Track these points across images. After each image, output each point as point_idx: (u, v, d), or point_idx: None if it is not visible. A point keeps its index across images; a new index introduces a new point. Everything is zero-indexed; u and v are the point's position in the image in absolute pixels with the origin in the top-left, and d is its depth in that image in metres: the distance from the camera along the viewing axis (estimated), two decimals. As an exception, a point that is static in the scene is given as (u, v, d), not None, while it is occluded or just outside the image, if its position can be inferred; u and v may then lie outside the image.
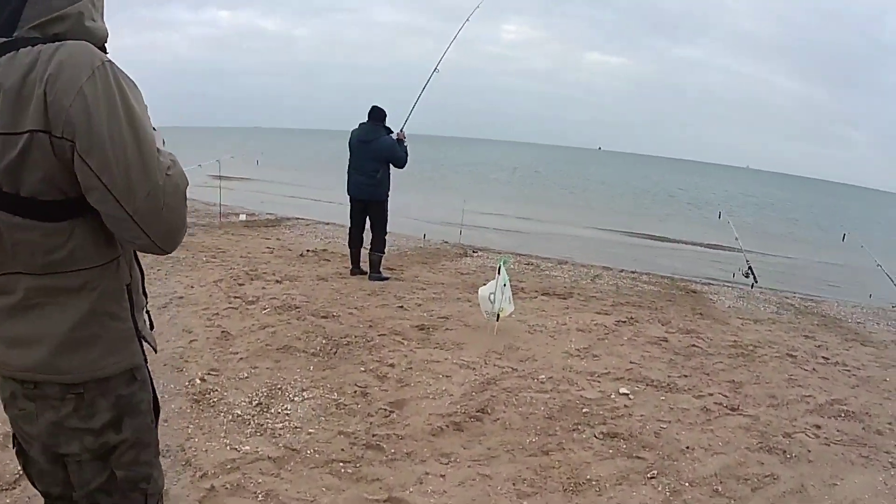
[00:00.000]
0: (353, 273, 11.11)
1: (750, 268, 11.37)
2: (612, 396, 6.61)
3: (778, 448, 5.79)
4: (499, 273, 7.98)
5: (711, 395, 6.92)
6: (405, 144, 10.66)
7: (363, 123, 10.60)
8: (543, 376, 7.00)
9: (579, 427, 5.87)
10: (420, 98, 11.17)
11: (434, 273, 12.27)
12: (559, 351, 7.89)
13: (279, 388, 6.22)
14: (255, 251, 12.88)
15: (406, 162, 10.64)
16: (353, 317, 8.58)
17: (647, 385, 7.03)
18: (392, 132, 10.60)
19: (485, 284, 8.41)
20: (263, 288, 9.78)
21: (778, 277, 13.82)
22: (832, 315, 12.29)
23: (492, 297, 8.06)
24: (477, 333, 8.27)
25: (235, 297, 9.10)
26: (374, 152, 10.40)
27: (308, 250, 13.21)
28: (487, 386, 6.62)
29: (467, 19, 11.30)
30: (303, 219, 19.17)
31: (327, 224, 17.88)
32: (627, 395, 6.68)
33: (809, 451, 5.79)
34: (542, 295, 11.02)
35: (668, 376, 7.33)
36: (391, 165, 10.56)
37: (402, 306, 9.27)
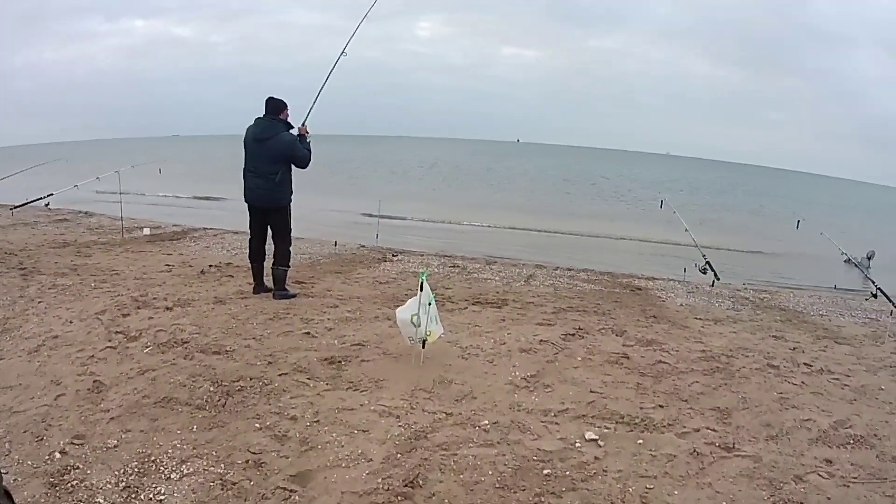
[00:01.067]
0: (255, 291, 9.39)
1: (708, 262, 9.97)
2: (578, 445, 5.01)
3: (793, 500, 4.41)
4: (421, 289, 6.30)
5: (698, 430, 5.40)
6: (308, 141, 9.07)
7: (259, 119, 8.88)
8: (487, 421, 5.36)
9: (543, 499, 4.29)
10: (326, 85, 9.49)
11: (349, 284, 10.64)
12: (502, 381, 6.27)
13: (153, 461, 4.59)
14: (152, 270, 11.14)
15: (309, 161, 8.98)
16: (251, 350, 6.86)
17: (618, 423, 5.46)
18: (293, 128, 9.02)
19: (404, 304, 6.62)
20: (150, 318, 8.01)
21: (720, 268, 12.55)
22: (792, 308, 11.13)
23: (415, 319, 6.37)
24: (399, 364, 6.60)
25: (117, 333, 7.34)
26: (272, 151, 8.76)
27: (210, 266, 11.51)
28: (416, 442, 4.96)
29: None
30: (211, 229, 17.38)
31: (236, 233, 16.06)
32: (596, 440, 5.08)
33: (829, 499, 4.47)
34: (473, 304, 9.51)
35: (641, 408, 5.78)
36: (292, 166, 8.95)
37: (309, 332, 7.55)
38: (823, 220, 29.02)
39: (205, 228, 17.57)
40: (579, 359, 7.04)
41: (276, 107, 8.86)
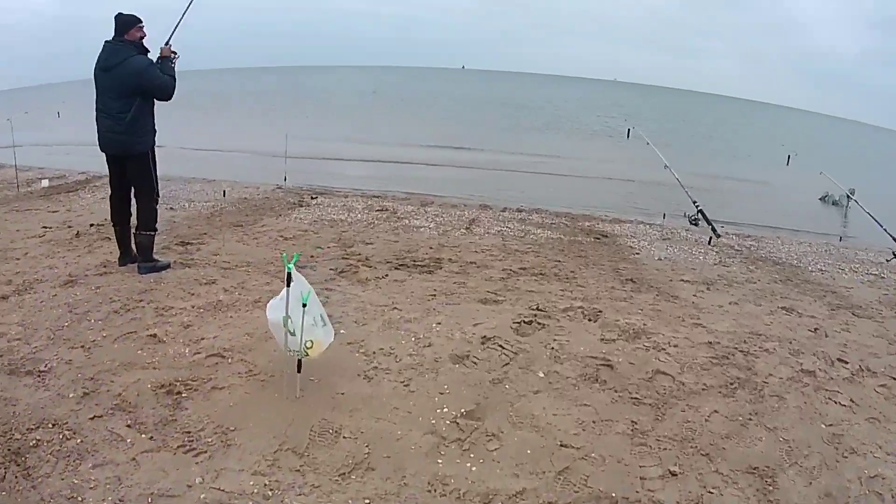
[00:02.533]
0: (121, 262, 6.97)
1: (700, 211, 7.70)
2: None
3: None
4: (287, 284, 3.87)
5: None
6: (172, 63, 6.64)
7: (105, 42, 6.42)
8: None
9: None
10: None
11: (245, 243, 8.29)
12: (420, 429, 3.89)
13: None
14: (21, 236, 8.77)
15: (172, 90, 6.53)
16: (72, 370, 4.52)
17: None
18: (148, 52, 6.52)
19: (285, 291, 3.94)
20: None
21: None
22: (785, 260, 9.18)
23: (289, 323, 3.96)
24: (266, 394, 4.20)
25: None
26: (119, 82, 6.34)
27: (92, 225, 9.16)
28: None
29: None
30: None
31: None
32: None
33: None
34: (397, 268, 7.26)
35: (643, 482, 3.48)
36: (150, 99, 6.52)
37: (156, 334, 5.12)
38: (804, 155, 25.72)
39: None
40: (541, 374, 4.64)
41: (123, 24, 6.35)
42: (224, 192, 10.03)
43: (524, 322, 5.54)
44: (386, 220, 9.91)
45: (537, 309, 5.92)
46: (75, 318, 5.50)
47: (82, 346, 4.93)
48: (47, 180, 13.83)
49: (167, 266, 6.90)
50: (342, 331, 5.14)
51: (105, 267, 6.97)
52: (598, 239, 9.42)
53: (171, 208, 10.54)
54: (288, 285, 3.83)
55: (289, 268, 3.82)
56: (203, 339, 5.05)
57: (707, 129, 46.75)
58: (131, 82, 6.27)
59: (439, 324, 5.47)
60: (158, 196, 6.87)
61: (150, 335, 5.10)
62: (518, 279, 6.98)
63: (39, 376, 4.50)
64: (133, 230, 6.83)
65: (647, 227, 10.65)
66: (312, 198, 11.62)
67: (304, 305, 3.90)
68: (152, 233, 6.80)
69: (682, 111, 71.17)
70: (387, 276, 6.93)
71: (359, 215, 10.21)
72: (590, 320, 5.76)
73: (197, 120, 33.58)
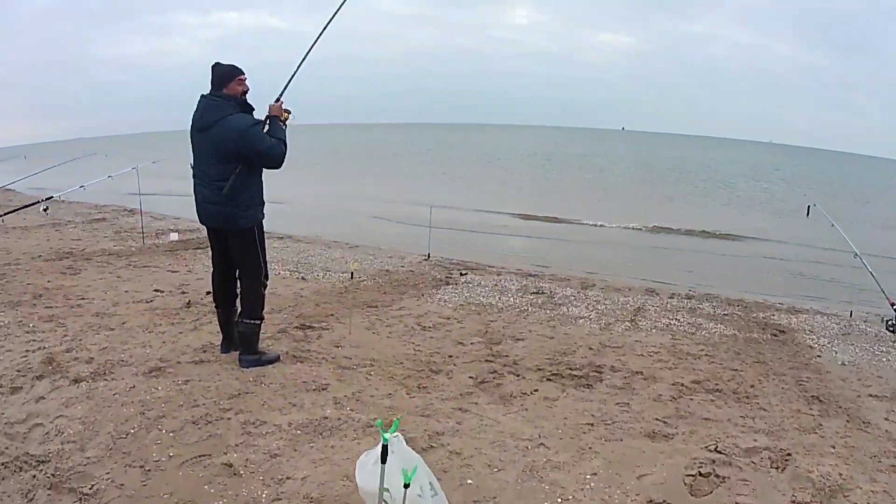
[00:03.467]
0: (223, 349, 6.14)
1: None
2: None
3: None
4: (383, 459, 2.79)
5: None
6: (284, 124, 5.67)
7: (203, 97, 5.56)
8: None
9: None
10: (326, 31, 6.05)
11: (376, 331, 7.27)
12: None
13: None
14: (127, 300, 8.29)
15: (282, 156, 5.53)
16: (119, 501, 3.72)
17: None
18: (251, 109, 5.60)
19: (372, 454, 2.98)
20: (40, 399, 5.12)
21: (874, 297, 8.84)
22: None
23: (388, 497, 2.85)
24: None
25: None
26: (217, 145, 5.45)
27: (208, 293, 8.22)
28: None
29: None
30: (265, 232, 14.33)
31: (280, 238, 12.99)
32: None
33: None
34: (549, 377, 6.04)
35: None
36: (255, 166, 5.59)
37: (231, 463, 4.13)
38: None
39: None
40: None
41: (221, 76, 5.48)
42: (352, 273, 8.96)
43: (700, 474, 4.23)
44: (541, 307, 8.74)
45: (715, 450, 4.60)
46: (145, 425, 4.68)
47: (141, 466, 4.12)
48: (177, 233, 13.55)
49: (275, 360, 6.01)
50: (469, 480, 4.03)
51: (205, 352, 6.22)
52: (776, 336, 7.94)
53: (303, 278, 9.90)
54: (384, 461, 2.69)
55: (385, 439, 2.67)
56: (289, 478, 4.03)
57: (876, 195, 42.46)
58: (230, 146, 5.38)
59: (594, 475, 4.22)
60: (267, 278, 5.98)
61: (226, 464, 4.17)
62: (691, 398, 5.68)
63: (81, 499, 3.73)
64: (236, 318, 5.89)
65: (825, 318, 9.06)
66: (462, 274, 10.61)
67: (407, 486, 2.74)
68: (257, 322, 5.90)
69: (842, 175, 65.63)
70: (536, 391, 5.73)
71: (511, 299, 9.10)
72: (777, 469, 4.40)
73: (346, 176, 33.39)
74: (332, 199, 24.32)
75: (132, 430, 4.54)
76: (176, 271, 10.09)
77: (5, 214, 14.54)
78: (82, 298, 8.35)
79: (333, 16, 6.06)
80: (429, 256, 11.59)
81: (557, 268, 12.30)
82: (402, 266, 11.03)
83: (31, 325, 7.14)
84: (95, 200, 19.86)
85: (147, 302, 8.18)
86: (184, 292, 8.63)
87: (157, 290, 8.77)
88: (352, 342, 6.71)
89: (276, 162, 5.48)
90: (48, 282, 9.31)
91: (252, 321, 5.80)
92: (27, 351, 6.25)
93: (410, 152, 63.94)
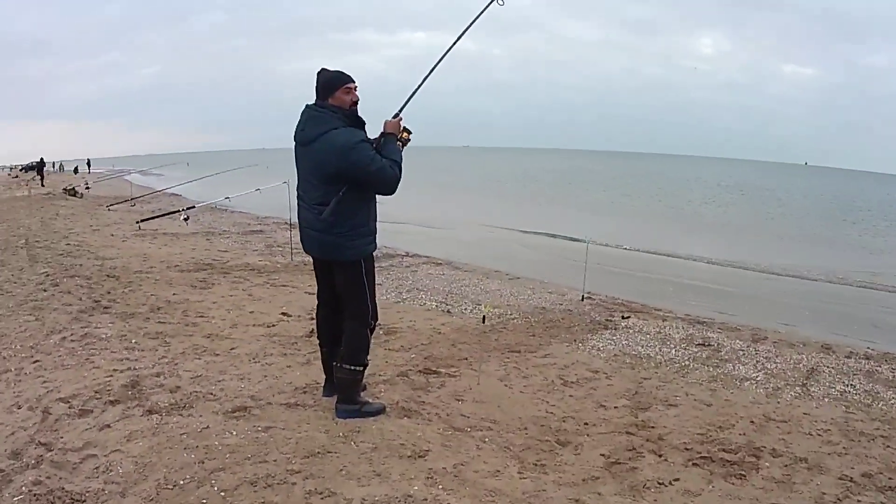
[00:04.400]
0: (325, 393, 5.27)
1: None
2: None
3: None
4: None
5: None
6: (400, 144, 4.89)
7: (307, 107, 4.78)
8: None
9: None
10: (455, 45, 5.20)
11: (509, 383, 6.15)
12: None
13: None
14: (248, 322, 7.77)
15: (395, 179, 4.66)
16: None
17: None
18: (362, 123, 4.77)
19: None
20: (104, 428, 4.56)
21: None
22: None
23: None
24: None
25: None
26: (319, 162, 4.67)
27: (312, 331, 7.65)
28: None
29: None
30: (416, 256, 13.82)
31: (438, 265, 12.59)
32: None
33: None
34: (697, 462, 4.75)
35: None
36: (364, 189, 4.74)
37: None
38: None
39: (407, 255, 13.89)
40: None
41: (327, 84, 4.68)
42: (483, 318, 7.78)
43: None
44: (705, 363, 7.32)
45: None
46: (198, 476, 3.88)
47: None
48: None
49: (379, 412, 5.02)
50: None
51: (304, 392, 5.38)
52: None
53: (449, 311, 9.04)
54: None
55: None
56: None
57: None
58: (332, 164, 4.53)
59: None
60: (374, 321, 5.03)
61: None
62: (858, 500, 4.30)
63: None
64: (335, 362, 5.02)
65: None
66: (624, 317, 9.24)
67: None
68: (359, 368, 4.93)
69: None
70: (676, 480, 4.44)
71: (672, 351, 7.72)
72: None
73: (518, 201, 32.59)
74: (501, 226, 23.44)
75: (182, 482, 3.75)
76: (312, 293, 9.49)
77: (142, 221, 14.62)
78: (201, 316, 7.90)
79: (462, 33, 5.23)
80: (583, 298, 10.28)
81: (732, 314, 10.73)
82: (561, 304, 9.84)
83: (133, 340, 6.69)
84: (264, 212, 19.96)
85: (268, 326, 7.55)
86: (312, 318, 7.94)
87: (283, 314, 8.14)
88: (477, 395, 5.63)
89: (387, 186, 4.61)
90: (173, 294, 9.00)
91: (353, 367, 4.86)
92: (115, 370, 5.74)
93: (594, 181, 62.48)
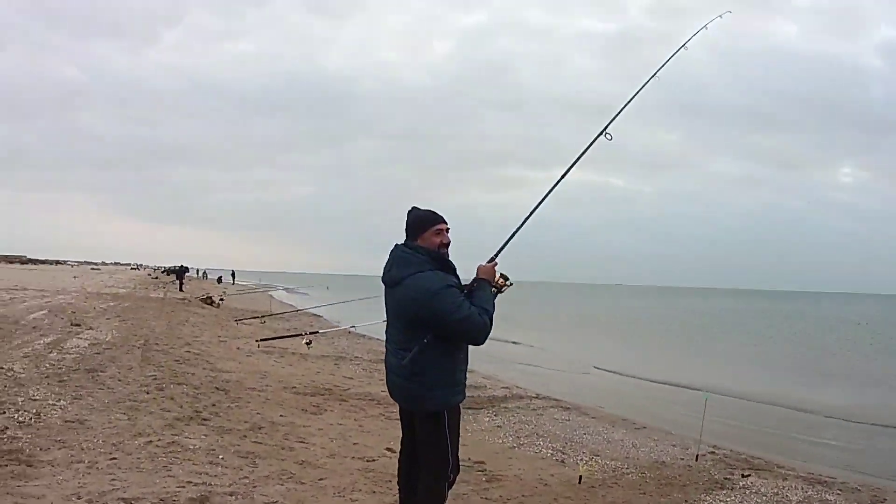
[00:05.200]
0: (399, 549, 4.79)
1: None
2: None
3: None
4: None
5: None
6: (495, 291, 4.59)
7: (396, 246, 4.58)
8: None
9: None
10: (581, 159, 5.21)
11: None
12: None
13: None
14: (355, 451, 7.58)
15: (483, 330, 4.28)
16: None
17: None
18: (450, 266, 4.51)
19: None
20: None
21: None
22: None
23: None
24: None
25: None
26: (403, 306, 4.43)
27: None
28: None
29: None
30: (553, 399, 13.19)
31: (573, 411, 11.92)
32: None
33: None
34: None
35: None
36: (450, 338, 4.38)
37: None
38: None
39: (537, 396, 13.43)
40: None
41: (416, 223, 4.51)
42: (580, 478, 6.96)
43: None
44: None
45: None
46: None
47: None
48: None
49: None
50: None
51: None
52: None
53: (562, 461, 8.28)
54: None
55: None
56: None
57: None
58: (412, 309, 4.30)
59: None
60: (452, 478, 4.56)
61: None
62: None
63: None
64: None
65: None
66: (744, 475, 8.13)
67: None
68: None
69: None
70: None
71: None
72: None
73: (659, 346, 31.62)
74: (634, 370, 22.47)
75: None
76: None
77: (262, 340, 14.65)
78: (301, 441, 7.62)
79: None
80: (696, 458, 9.21)
81: (860, 470, 9.56)
82: (682, 458, 8.85)
83: (220, 456, 6.47)
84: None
85: (367, 460, 7.15)
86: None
87: (389, 450, 7.66)
88: None
89: (474, 336, 4.29)
90: (279, 415, 8.82)
91: None
92: (189, 482, 5.54)
93: (736, 322, 59.91)
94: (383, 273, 4.52)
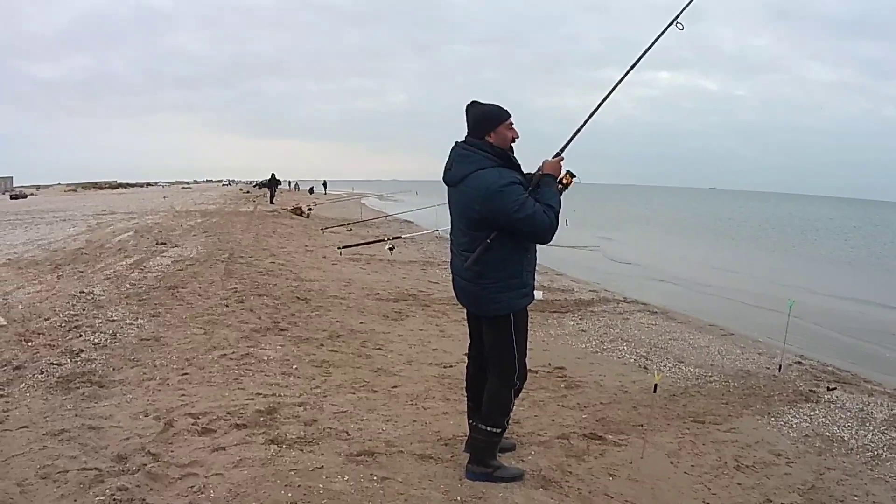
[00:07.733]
0: (466, 449, 4.87)
1: None
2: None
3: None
4: None
5: None
6: (560, 187, 4.50)
7: (457, 144, 4.50)
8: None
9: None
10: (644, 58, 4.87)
11: (675, 460, 5.37)
12: None
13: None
14: (433, 357, 7.78)
15: (549, 228, 4.23)
16: None
17: None
18: (515, 164, 4.43)
19: None
20: (218, 450, 4.62)
21: None
22: None
23: None
24: None
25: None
26: (465, 205, 4.38)
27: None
28: None
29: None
30: (641, 304, 13.02)
31: (653, 314, 11.84)
32: None
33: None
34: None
35: None
36: (515, 236, 4.33)
37: None
38: None
39: (624, 300, 13.26)
40: None
41: (482, 119, 4.39)
42: (655, 386, 6.94)
43: None
44: None
45: None
46: None
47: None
48: (541, 292, 12.29)
49: (515, 478, 4.62)
50: None
51: (445, 445, 5.10)
52: None
53: (644, 367, 8.19)
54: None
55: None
56: None
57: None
58: (475, 207, 4.24)
59: None
60: (519, 385, 4.61)
61: None
62: None
63: None
64: (472, 421, 4.76)
65: None
66: (829, 388, 7.98)
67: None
68: (497, 430, 4.56)
69: None
70: None
71: (869, 435, 6.14)
72: None
73: (766, 250, 30.92)
74: (733, 271, 22.10)
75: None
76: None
77: (343, 247, 14.88)
78: (379, 348, 7.84)
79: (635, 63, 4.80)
80: (780, 369, 9.00)
81: None
82: (768, 368, 8.69)
83: (294, 366, 6.73)
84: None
85: (444, 366, 7.31)
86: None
87: (467, 355, 7.86)
88: (633, 472, 4.96)
89: (539, 235, 4.24)
90: (360, 323, 9.05)
91: (490, 429, 4.51)
92: (258, 394, 5.81)
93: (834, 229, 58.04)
94: (444, 173, 4.51)
